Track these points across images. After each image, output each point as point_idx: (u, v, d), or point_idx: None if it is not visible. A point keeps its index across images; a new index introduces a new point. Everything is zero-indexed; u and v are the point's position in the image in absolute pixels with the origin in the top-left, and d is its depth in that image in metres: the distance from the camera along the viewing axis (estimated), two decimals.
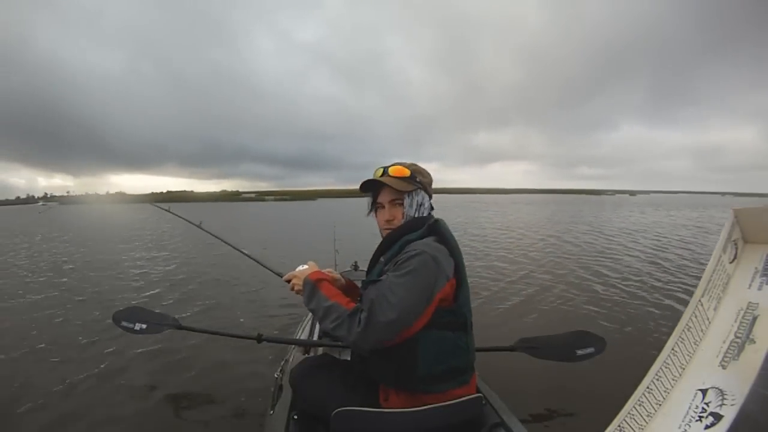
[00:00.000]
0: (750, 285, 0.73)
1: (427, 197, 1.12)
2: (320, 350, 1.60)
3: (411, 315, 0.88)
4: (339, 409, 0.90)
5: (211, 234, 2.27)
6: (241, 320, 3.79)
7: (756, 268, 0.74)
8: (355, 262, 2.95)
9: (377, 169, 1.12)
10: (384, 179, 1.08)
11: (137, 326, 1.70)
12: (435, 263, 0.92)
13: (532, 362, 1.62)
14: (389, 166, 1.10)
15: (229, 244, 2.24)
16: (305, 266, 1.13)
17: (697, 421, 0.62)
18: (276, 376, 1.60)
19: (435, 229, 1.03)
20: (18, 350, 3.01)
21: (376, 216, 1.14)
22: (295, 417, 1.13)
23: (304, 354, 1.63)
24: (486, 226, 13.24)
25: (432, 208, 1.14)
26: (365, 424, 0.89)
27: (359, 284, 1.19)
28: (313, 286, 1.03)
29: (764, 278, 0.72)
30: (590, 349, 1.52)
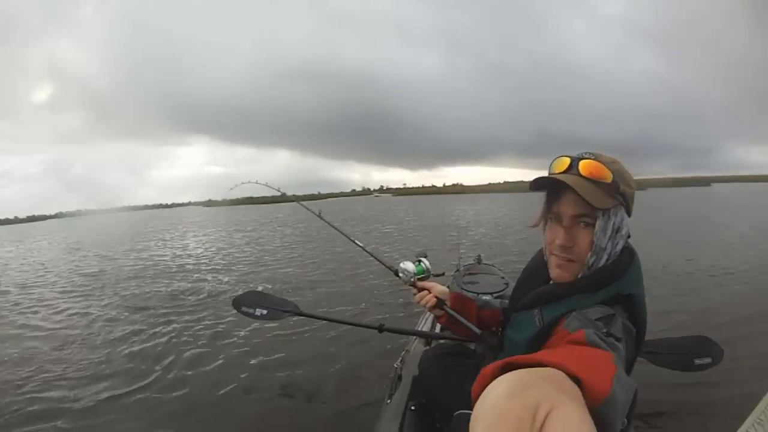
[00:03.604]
0: None
1: (626, 220, 0.74)
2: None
3: None
4: (460, 412, 0.81)
5: (329, 224, 1.99)
6: (363, 309, 4.00)
7: None
8: (479, 255, 2.68)
9: (560, 159, 0.74)
10: (569, 178, 0.69)
11: (257, 311, 1.64)
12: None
13: (645, 367, 1.39)
14: (580, 158, 0.72)
15: (345, 235, 1.93)
16: (409, 264, 1.08)
17: None
18: (396, 366, 1.60)
19: (626, 299, 0.69)
20: None
21: (545, 230, 0.79)
22: (413, 408, 1.13)
23: (425, 346, 1.61)
24: None
25: (628, 237, 0.75)
26: None
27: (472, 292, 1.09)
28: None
29: None
30: (707, 359, 1.38)
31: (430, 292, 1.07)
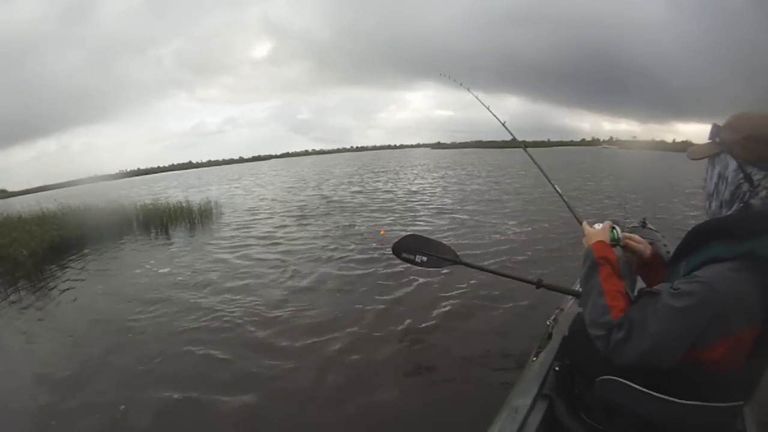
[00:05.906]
0: None
1: (732, 164, 0.75)
2: None
3: (667, 355, 0.72)
4: (604, 377, 0.84)
5: (539, 167, 1.86)
6: (526, 260, 3.93)
7: None
8: (644, 219, 2.58)
9: None
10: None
11: (418, 258, 1.58)
12: (716, 307, 0.67)
13: None
14: None
15: (546, 177, 1.80)
16: (599, 226, 1.00)
17: None
18: (548, 323, 1.55)
19: (754, 249, 0.67)
20: None
21: None
22: (557, 368, 1.10)
23: (580, 306, 1.58)
24: None
25: (753, 185, 0.73)
26: (627, 399, 0.82)
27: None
28: (592, 264, 0.88)
29: None
30: None
31: None
